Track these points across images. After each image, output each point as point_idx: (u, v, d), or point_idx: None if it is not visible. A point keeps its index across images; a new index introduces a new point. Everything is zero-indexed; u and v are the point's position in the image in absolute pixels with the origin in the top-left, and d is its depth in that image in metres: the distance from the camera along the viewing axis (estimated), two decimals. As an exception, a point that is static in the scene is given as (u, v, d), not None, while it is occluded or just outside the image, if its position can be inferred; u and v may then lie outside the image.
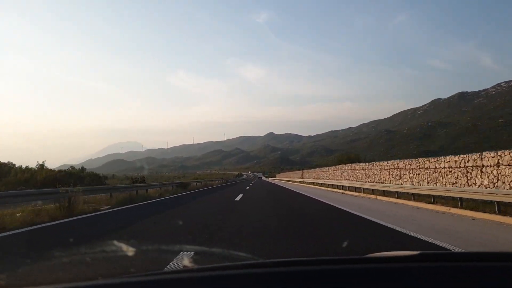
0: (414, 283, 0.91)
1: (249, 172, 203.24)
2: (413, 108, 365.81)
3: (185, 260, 3.57)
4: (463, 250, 4.68)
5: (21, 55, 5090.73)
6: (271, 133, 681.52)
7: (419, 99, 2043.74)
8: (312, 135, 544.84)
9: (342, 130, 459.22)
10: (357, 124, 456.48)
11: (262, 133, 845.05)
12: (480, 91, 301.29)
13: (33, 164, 30.01)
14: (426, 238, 5.73)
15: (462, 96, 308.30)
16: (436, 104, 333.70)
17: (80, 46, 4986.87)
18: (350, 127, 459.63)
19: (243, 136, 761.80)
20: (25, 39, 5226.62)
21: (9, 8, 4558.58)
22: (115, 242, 4.94)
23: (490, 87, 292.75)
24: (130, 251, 3.91)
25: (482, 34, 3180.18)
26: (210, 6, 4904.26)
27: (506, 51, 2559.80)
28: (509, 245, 5.60)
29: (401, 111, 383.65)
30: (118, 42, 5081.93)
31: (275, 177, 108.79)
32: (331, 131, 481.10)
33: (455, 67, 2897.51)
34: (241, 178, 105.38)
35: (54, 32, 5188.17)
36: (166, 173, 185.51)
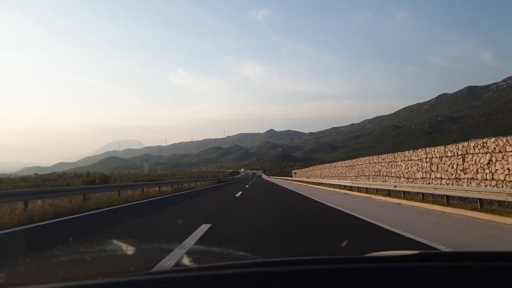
0: (414, 282, 0.90)
1: (242, 170, 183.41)
2: (418, 103, 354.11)
3: (185, 259, 3.52)
4: (463, 250, 4.78)
5: (20, 52, 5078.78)
6: (271, 130, 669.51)
7: (420, 97, 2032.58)
8: (314, 132, 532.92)
9: (344, 126, 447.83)
10: (360, 121, 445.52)
11: (262, 130, 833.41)
12: (489, 85, 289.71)
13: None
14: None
15: (471, 91, 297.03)
16: (443, 99, 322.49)
17: (79, 44, 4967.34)
18: (352, 124, 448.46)
19: (243, 133, 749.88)
20: (24, 36, 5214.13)
21: (10, 5, 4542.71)
22: None
23: (500, 81, 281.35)
24: None
25: (483, 31, 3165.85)
26: (208, 3, 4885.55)
27: (507, 48, 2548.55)
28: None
29: (405, 107, 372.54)
30: (116, 40, 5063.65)
31: (289, 176, 66.37)
32: (333, 127, 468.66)
33: (456, 64, 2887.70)
34: (238, 176, 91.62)
35: (52, 30, 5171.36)
36: (159, 171, 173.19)
